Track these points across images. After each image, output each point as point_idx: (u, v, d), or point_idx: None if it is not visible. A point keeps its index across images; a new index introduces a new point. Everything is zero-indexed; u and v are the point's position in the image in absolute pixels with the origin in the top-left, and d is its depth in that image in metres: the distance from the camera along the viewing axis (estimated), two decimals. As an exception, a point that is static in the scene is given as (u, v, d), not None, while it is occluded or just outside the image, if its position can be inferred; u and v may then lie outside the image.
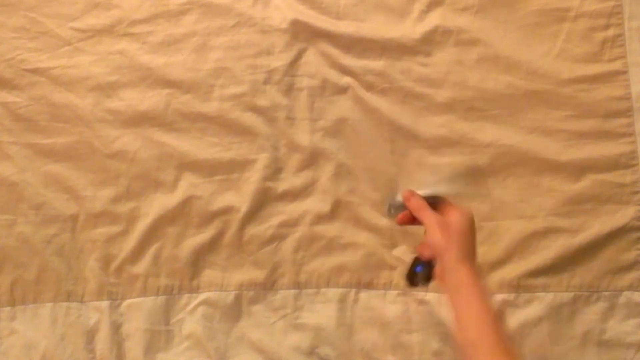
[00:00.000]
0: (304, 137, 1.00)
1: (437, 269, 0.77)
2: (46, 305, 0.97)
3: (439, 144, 0.98)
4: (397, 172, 0.98)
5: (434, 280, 0.79)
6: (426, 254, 0.79)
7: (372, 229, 0.97)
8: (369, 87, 1.00)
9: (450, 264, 0.74)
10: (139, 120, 1.01)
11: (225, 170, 0.99)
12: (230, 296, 0.96)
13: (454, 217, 0.77)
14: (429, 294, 0.95)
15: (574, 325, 0.93)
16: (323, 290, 0.96)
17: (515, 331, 0.92)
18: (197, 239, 0.98)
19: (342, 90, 1.01)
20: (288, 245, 0.98)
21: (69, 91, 1.01)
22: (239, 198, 0.98)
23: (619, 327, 0.92)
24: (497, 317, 0.70)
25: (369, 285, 0.96)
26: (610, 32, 0.99)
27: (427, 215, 0.79)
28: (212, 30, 1.03)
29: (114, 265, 0.98)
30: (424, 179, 0.96)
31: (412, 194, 0.82)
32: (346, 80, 1.01)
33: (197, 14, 1.03)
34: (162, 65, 1.01)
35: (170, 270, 0.98)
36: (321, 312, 0.96)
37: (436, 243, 0.76)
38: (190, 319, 0.96)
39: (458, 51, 1.00)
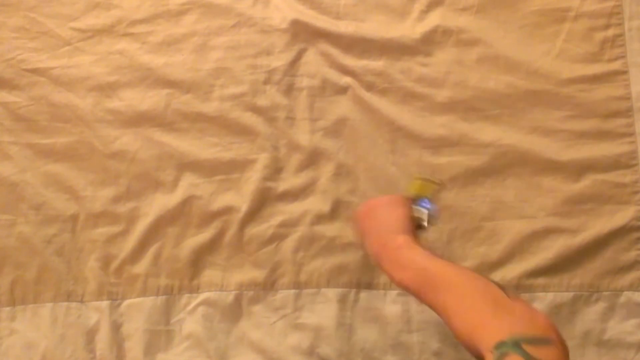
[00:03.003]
0: (304, 137, 0.99)
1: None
2: (46, 305, 0.97)
3: (439, 144, 0.98)
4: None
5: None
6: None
7: (372, 229, 0.97)
8: (369, 87, 1.00)
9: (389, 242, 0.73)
10: (139, 120, 1.01)
11: (225, 170, 0.99)
12: (230, 296, 0.96)
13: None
14: (429, 294, 0.95)
15: (574, 325, 0.93)
16: (323, 290, 0.96)
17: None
18: (197, 239, 0.98)
19: (342, 90, 1.01)
20: (288, 245, 0.97)
21: (69, 91, 1.01)
22: (239, 198, 0.98)
23: (619, 327, 0.92)
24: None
25: (369, 285, 0.96)
26: (610, 32, 0.99)
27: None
28: (212, 30, 1.03)
29: (114, 265, 0.98)
30: None
31: None
32: (346, 80, 1.01)
33: (197, 14, 1.03)
34: (162, 65, 1.01)
35: (170, 270, 0.98)
36: (321, 312, 0.95)
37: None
38: (190, 319, 0.96)
39: (458, 51, 1.00)
